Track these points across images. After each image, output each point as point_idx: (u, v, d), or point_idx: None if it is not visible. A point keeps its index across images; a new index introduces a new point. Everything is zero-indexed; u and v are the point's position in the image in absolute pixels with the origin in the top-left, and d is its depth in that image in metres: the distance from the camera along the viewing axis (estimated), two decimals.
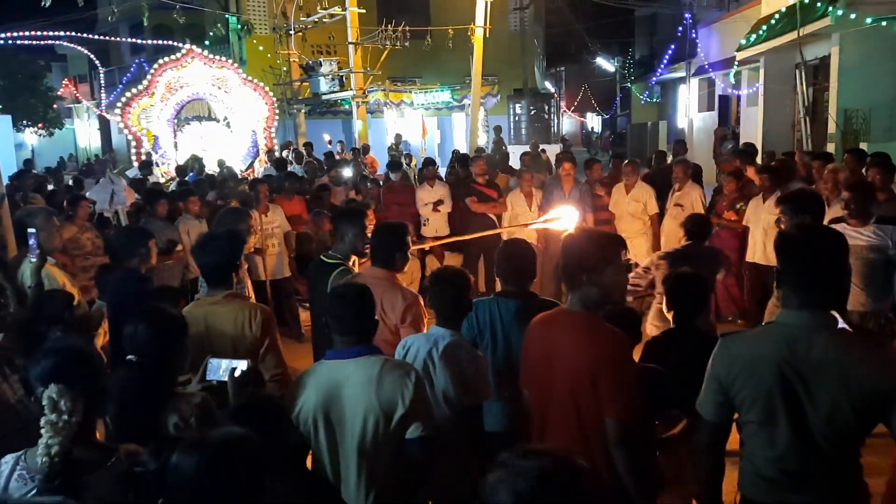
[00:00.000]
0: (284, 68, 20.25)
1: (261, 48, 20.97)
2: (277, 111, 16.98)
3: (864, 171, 6.43)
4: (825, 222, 4.47)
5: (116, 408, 2.49)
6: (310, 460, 2.66)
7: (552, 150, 17.56)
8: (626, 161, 8.73)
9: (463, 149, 17.44)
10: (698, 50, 20.49)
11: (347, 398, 2.58)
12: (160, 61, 15.89)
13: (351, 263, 4.01)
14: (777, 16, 13.59)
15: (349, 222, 4.09)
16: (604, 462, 2.50)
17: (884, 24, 10.28)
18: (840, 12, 10.90)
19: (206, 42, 20.50)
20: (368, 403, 2.55)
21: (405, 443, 2.59)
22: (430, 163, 9.29)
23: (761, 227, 6.59)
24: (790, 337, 2.18)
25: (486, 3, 16.16)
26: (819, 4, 11.54)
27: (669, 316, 3.54)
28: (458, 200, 8.49)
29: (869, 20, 10.42)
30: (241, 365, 2.82)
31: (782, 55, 14.28)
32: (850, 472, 2.24)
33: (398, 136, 18.57)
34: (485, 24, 16.19)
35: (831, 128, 12.14)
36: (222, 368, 2.82)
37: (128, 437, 2.27)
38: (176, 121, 16.08)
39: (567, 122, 30.86)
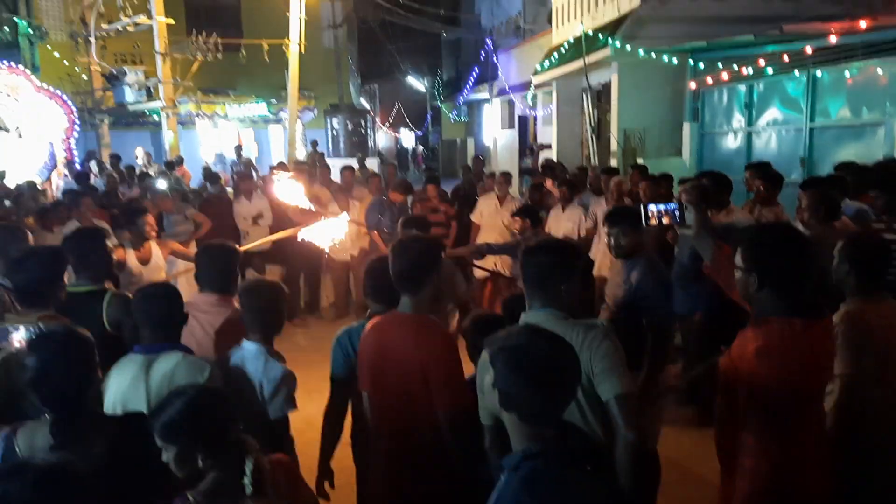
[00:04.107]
0: (84, 76, 19.06)
1: (56, 55, 19.57)
2: (78, 121, 15.98)
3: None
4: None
5: None
6: None
7: (370, 164, 18.08)
8: (501, 172, 9.06)
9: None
10: (499, 73, 22.04)
11: (148, 389, 2.69)
12: None
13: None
14: (566, 45, 14.96)
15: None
16: (441, 453, 2.67)
17: (653, 55, 11.83)
18: (618, 44, 12.31)
19: None
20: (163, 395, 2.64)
21: None
22: (246, 176, 9.21)
23: (561, 235, 7.44)
24: None
25: (301, 19, 16.37)
26: (601, 36, 12.96)
27: None
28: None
29: (642, 52, 11.90)
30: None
31: (571, 80, 15.71)
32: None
33: (238, 148, 18.29)
34: (299, 39, 16.38)
35: (613, 146, 13.54)
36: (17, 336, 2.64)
37: None
38: None
39: (382, 138, 31.61)
